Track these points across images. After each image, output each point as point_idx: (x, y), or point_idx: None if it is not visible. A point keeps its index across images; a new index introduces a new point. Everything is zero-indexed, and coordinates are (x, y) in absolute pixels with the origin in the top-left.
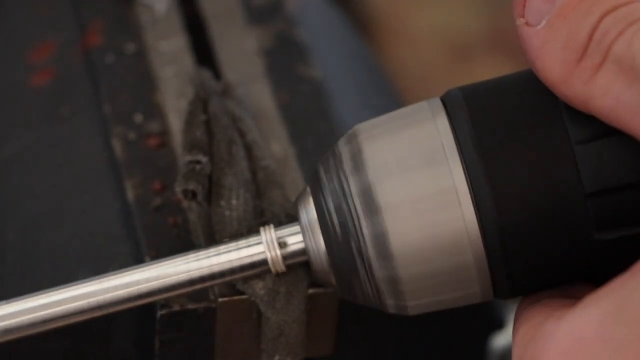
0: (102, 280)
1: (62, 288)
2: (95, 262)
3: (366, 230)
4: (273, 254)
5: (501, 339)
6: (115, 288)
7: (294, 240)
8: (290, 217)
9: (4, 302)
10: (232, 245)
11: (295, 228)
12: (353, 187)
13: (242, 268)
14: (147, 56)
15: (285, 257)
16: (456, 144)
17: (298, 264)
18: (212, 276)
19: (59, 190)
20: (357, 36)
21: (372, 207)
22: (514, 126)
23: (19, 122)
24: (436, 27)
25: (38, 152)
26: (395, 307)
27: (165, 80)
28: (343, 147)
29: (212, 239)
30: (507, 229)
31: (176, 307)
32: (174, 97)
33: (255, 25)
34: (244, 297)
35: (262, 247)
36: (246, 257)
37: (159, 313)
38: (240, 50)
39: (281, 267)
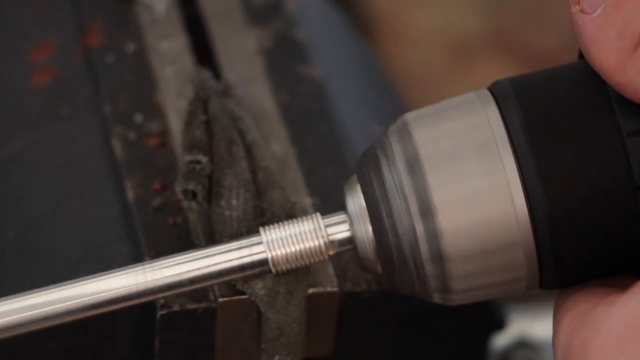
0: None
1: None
2: (95, 262)
3: (416, 220)
4: (316, 243)
5: (501, 339)
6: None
7: (340, 229)
8: (290, 217)
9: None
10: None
11: (342, 217)
12: (404, 177)
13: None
14: (147, 56)
15: (331, 246)
16: (507, 135)
17: (343, 253)
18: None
19: (59, 190)
20: (357, 36)
21: (422, 196)
22: (565, 116)
23: (19, 122)
24: (436, 27)
25: (38, 152)
26: (440, 298)
27: (165, 80)
28: (392, 136)
29: (212, 239)
30: (557, 220)
31: (176, 307)
32: (174, 97)
33: (255, 25)
34: (244, 297)
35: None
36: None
37: (159, 313)
38: (240, 50)
39: (326, 255)
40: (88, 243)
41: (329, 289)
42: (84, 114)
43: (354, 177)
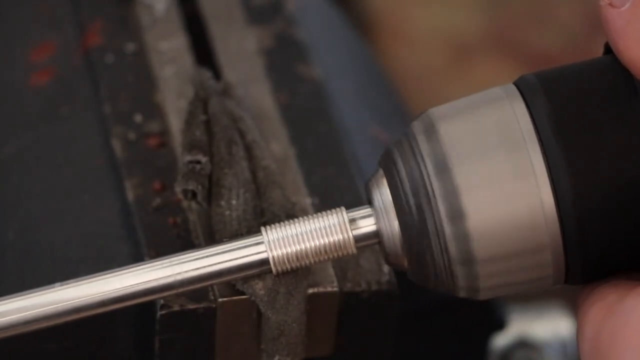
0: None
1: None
2: (95, 262)
3: (444, 214)
4: (341, 237)
5: (501, 339)
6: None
7: (366, 223)
8: (290, 217)
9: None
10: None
11: (367, 211)
12: (431, 170)
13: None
14: (147, 56)
15: (357, 240)
16: (534, 128)
17: (369, 247)
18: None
19: (59, 190)
20: (357, 36)
21: (450, 190)
22: (592, 110)
23: (19, 122)
24: (436, 27)
25: (38, 152)
26: (467, 291)
27: (165, 80)
28: (418, 130)
29: (212, 239)
30: (584, 213)
31: (176, 307)
32: (174, 97)
33: (255, 25)
34: (244, 297)
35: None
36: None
37: (159, 313)
38: (240, 50)
39: (353, 250)
40: (88, 243)
41: (329, 289)
42: (84, 114)
43: (380, 171)
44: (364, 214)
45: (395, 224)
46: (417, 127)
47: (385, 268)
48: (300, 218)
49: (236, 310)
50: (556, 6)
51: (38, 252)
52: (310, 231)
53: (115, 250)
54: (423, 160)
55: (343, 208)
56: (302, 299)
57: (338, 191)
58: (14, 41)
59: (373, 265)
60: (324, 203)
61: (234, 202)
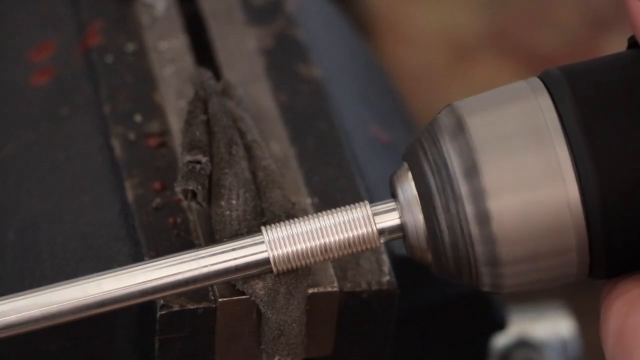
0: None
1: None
2: (95, 262)
3: (469, 209)
4: (365, 230)
5: (501, 339)
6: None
7: (390, 217)
8: (290, 217)
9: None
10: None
11: (391, 205)
12: (457, 164)
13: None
14: (147, 56)
15: (380, 233)
16: (560, 122)
17: (393, 240)
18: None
19: (59, 190)
20: (357, 36)
21: (476, 185)
22: (617, 104)
23: (19, 122)
24: (436, 26)
25: (38, 151)
26: (491, 286)
27: (165, 80)
28: (444, 124)
29: (212, 239)
30: (611, 209)
31: (176, 307)
32: (174, 97)
33: (255, 25)
34: (244, 297)
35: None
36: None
37: (159, 313)
38: (240, 50)
39: (377, 243)
40: (88, 243)
41: (329, 289)
42: (84, 114)
43: (405, 165)
44: (388, 208)
45: (420, 217)
46: (443, 121)
47: (386, 268)
48: (319, 214)
49: (236, 310)
50: (556, 6)
51: (38, 252)
52: (332, 225)
53: (115, 250)
54: (449, 156)
55: (367, 202)
56: (302, 299)
57: (338, 191)
58: (14, 41)
59: (373, 265)
60: (324, 203)
61: (234, 202)
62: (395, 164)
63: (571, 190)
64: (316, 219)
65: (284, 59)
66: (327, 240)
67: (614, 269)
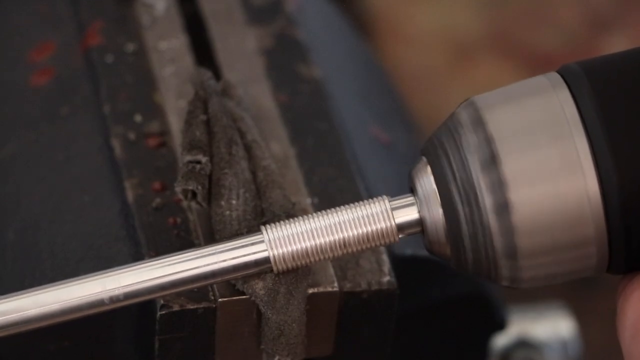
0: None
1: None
2: (95, 262)
3: (488, 200)
4: (384, 225)
5: (501, 339)
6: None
7: (408, 211)
8: (290, 217)
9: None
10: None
11: (409, 199)
12: (476, 158)
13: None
14: (147, 56)
15: (400, 228)
16: (579, 116)
17: (411, 235)
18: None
19: (59, 190)
20: (357, 36)
21: (496, 178)
22: (636, 97)
23: (19, 122)
24: (436, 27)
25: (38, 151)
26: (509, 279)
27: (165, 80)
28: (463, 118)
29: (212, 239)
30: (630, 202)
31: (176, 307)
32: (174, 97)
33: (255, 25)
34: (244, 297)
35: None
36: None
37: (159, 313)
38: (240, 50)
39: (395, 238)
40: (88, 243)
41: (329, 289)
42: (84, 114)
43: (423, 160)
44: (407, 203)
45: (440, 212)
46: (461, 115)
47: (386, 268)
48: (337, 208)
49: (236, 310)
50: (556, 6)
51: (38, 252)
52: (350, 220)
53: (115, 250)
54: (469, 150)
55: (385, 196)
56: (302, 299)
57: (338, 191)
58: (14, 41)
59: (373, 265)
60: (324, 203)
61: (234, 202)
62: (395, 164)
63: (590, 183)
64: (328, 215)
65: (284, 59)
66: (344, 236)
67: (632, 262)
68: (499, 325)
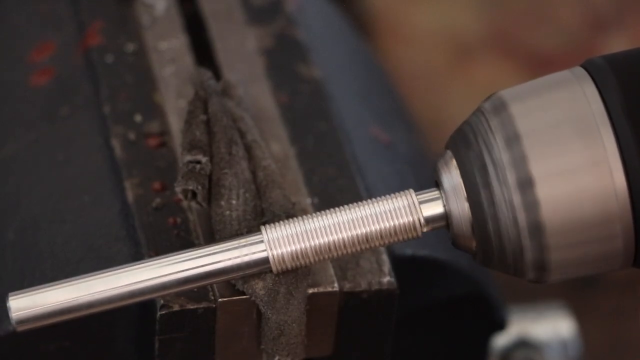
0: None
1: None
2: (96, 262)
3: (516, 196)
4: (410, 219)
5: (501, 339)
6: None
7: (434, 205)
8: (290, 217)
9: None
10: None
11: (435, 193)
12: (504, 154)
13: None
14: (147, 56)
15: (426, 222)
16: (606, 112)
17: (437, 229)
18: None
19: (59, 190)
20: (357, 36)
21: (523, 175)
22: None
23: (19, 122)
24: (436, 26)
25: (38, 151)
26: (535, 276)
27: (165, 80)
28: (490, 113)
29: (212, 239)
30: None
31: (176, 307)
32: (174, 97)
33: (255, 25)
34: (244, 297)
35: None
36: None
37: (159, 313)
38: (240, 50)
39: (419, 232)
40: (88, 243)
41: (329, 289)
42: (84, 114)
43: (448, 154)
44: (432, 197)
45: (466, 205)
46: (487, 109)
47: (386, 268)
48: (360, 202)
49: (236, 310)
50: (556, 6)
51: (38, 252)
52: (374, 214)
53: (115, 250)
54: (497, 145)
55: (411, 190)
56: (302, 299)
57: (338, 191)
58: (14, 41)
59: (373, 265)
60: (324, 203)
61: (234, 202)
62: (395, 164)
63: (618, 179)
64: (348, 211)
65: (284, 59)
66: (368, 230)
67: None
68: (499, 325)
